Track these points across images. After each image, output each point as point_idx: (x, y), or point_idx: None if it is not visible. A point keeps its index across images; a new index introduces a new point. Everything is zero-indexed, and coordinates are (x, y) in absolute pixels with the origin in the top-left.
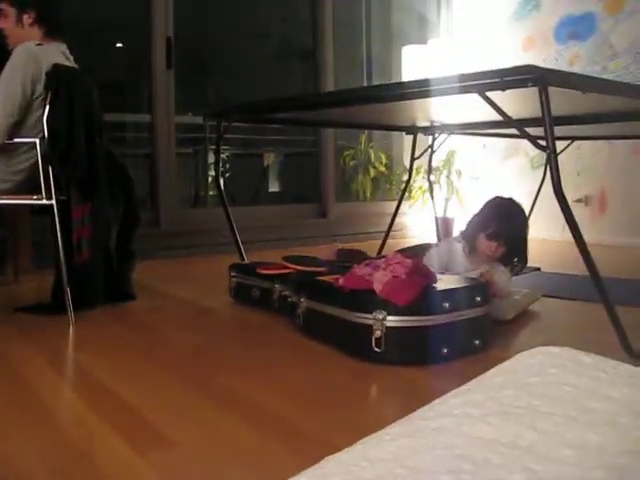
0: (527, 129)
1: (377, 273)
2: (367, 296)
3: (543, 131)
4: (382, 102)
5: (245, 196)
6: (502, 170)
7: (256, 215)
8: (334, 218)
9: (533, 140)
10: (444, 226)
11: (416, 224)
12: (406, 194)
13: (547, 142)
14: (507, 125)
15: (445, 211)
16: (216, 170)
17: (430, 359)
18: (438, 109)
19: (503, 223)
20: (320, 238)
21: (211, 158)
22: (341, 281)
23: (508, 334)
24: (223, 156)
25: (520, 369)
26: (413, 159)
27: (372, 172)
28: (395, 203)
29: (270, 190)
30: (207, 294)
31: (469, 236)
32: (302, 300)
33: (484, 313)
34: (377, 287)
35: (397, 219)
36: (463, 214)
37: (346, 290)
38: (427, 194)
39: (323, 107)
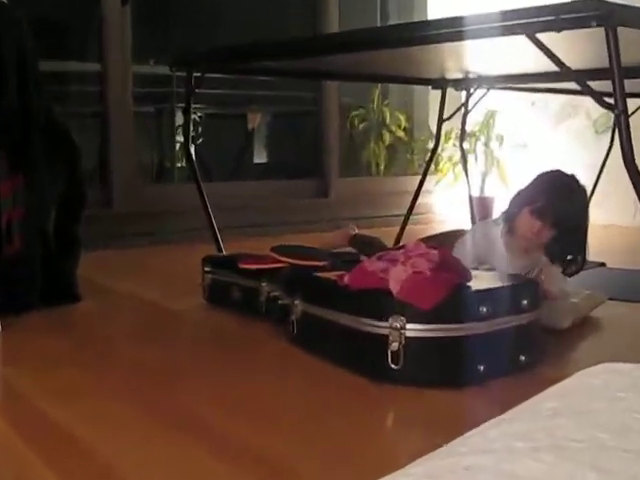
0: (589, 83)
1: (394, 268)
2: (381, 298)
3: (610, 85)
4: (401, 47)
5: (223, 169)
6: (556, 136)
7: (238, 193)
8: (338, 198)
9: (597, 97)
10: (481, 208)
11: (445, 205)
12: (432, 167)
13: (616, 100)
14: (563, 77)
15: (482, 189)
16: (185, 135)
17: (462, 379)
18: (474, 57)
19: (555, 199)
20: (319, 223)
21: (180, 119)
22: (347, 279)
23: (563, 347)
24: (195, 117)
25: (578, 392)
26: (441, 121)
27: (387, 138)
28: (417, 178)
29: (256, 161)
30: (173, 295)
31: (511, 215)
32: (297, 303)
33: (533, 320)
34: (394, 286)
35: (420, 199)
36: (505, 192)
37: (353, 290)
38: (459, 167)
39: (324, 54)
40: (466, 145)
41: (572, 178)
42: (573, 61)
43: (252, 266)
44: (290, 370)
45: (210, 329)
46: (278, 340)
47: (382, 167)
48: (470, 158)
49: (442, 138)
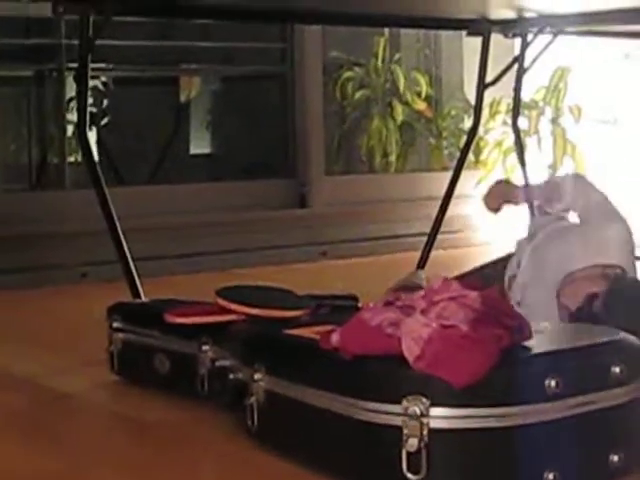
0: None
1: (409, 321)
2: (389, 369)
3: None
4: None
5: (143, 165)
6: None
7: (165, 203)
8: (323, 208)
9: None
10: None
11: (492, 220)
12: (471, 157)
13: None
14: None
15: None
16: (81, 113)
17: None
18: None
19: None
20: (293, 249)
21: (72, 89)
22: (336, 338)
23: None
24: (97, 84)
25: None
26: (483, 86)
27: (401, 113)
28: (448, 176)
29: (193, 152)
30: (63, 367)
31: None
32: (257, 377)
33: (630, 399)
34: (410, 350)
35: (452, 209)
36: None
37: (347, 357)
38: (513, 156)
39: None
40: (523, 123)
41: None
42: None
43: (186, 320)
44: None
45: (121, 421)
46: (228, 437)
47: (392, 158)
48: (530, 142)
49: (485, 113)
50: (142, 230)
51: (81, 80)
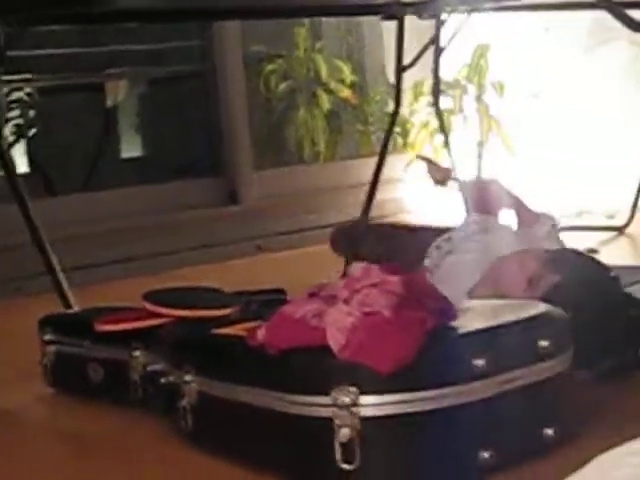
0: None
1: (332, 311)
2: (316, 360)
3: None
4: None
5: (75, 174)
6: (586, 74)
7: (97, 210)
8: (254, 203)
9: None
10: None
11: (424, 201)
12: (399, 140)
13: None
14: None
15: (479, 166)
16: None
17: (456, 475)
18: None
19: None
20: (225, 247)
21: None
22: (261, 334)
23: (612, 408)
24: (22, 95)
25: None
26: (401, 69)
27: (326, 101)
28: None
29: (124, 156)
30: None
31: None
32: (188, 379)
33: (559, 371)
34: (335, 340)
35: (381, 194)
36: (513, 169)
37: (273, 352)
38: (441, 137)
39: None
40: (448, 102)
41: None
42: None
43: (115, 327)
44: None
45: (57, 434)
46: (164, 441)
47: (321, 147)
48: (456, 121)
49: (409, 95)
50: (77, 238)
51: None
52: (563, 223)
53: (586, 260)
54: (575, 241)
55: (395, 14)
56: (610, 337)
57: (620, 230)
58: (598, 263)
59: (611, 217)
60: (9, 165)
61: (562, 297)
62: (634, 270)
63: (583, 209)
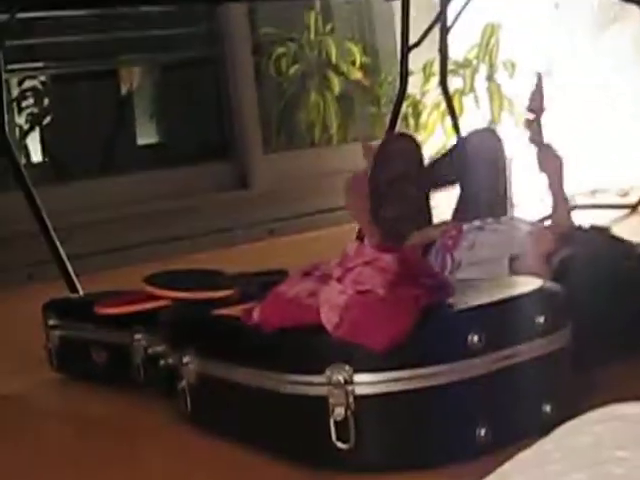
0: None
1: (326, 289)
2: (310, 339)
3: None
4: None
5: (91, 162)
6: (597, 52)
7: (110, 197)
8: (265, 187)
9: None
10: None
11: None
12: (411, 121)
13: None
14: None
15: None
16: None
17: (452, 453)
18: None
19: None
20: (235, 232)
21: None
22: (257, 314)
23: (610, 385)
24: (36, 83)
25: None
26: (406, 48)
27: (337, 84)
28: None
29: (140, 142)
30: (6, 368)
31: None
32: (186, 361)
33: (557, 348)
34: (329, 319)
35: None
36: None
37: (268, 331)
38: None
39: None
40: (459, 82)
41: None
42: None
43: (116, 310)
44: (187, 467)
45: (63, 417)
46: (166, 422)
47: (333, 131)
48: (468, 101)
49: (420, 76)
50: (91, 224)
51: None
52: (577, 201)
53: (601, 236)
54: (589, 219)
55: None
56: (622, 313)
57: (633, 208)
58: (617, 239)
59: (625, 195)
60: (14, 155)
61: (571, 271)
62: None
63: (597, 187)
